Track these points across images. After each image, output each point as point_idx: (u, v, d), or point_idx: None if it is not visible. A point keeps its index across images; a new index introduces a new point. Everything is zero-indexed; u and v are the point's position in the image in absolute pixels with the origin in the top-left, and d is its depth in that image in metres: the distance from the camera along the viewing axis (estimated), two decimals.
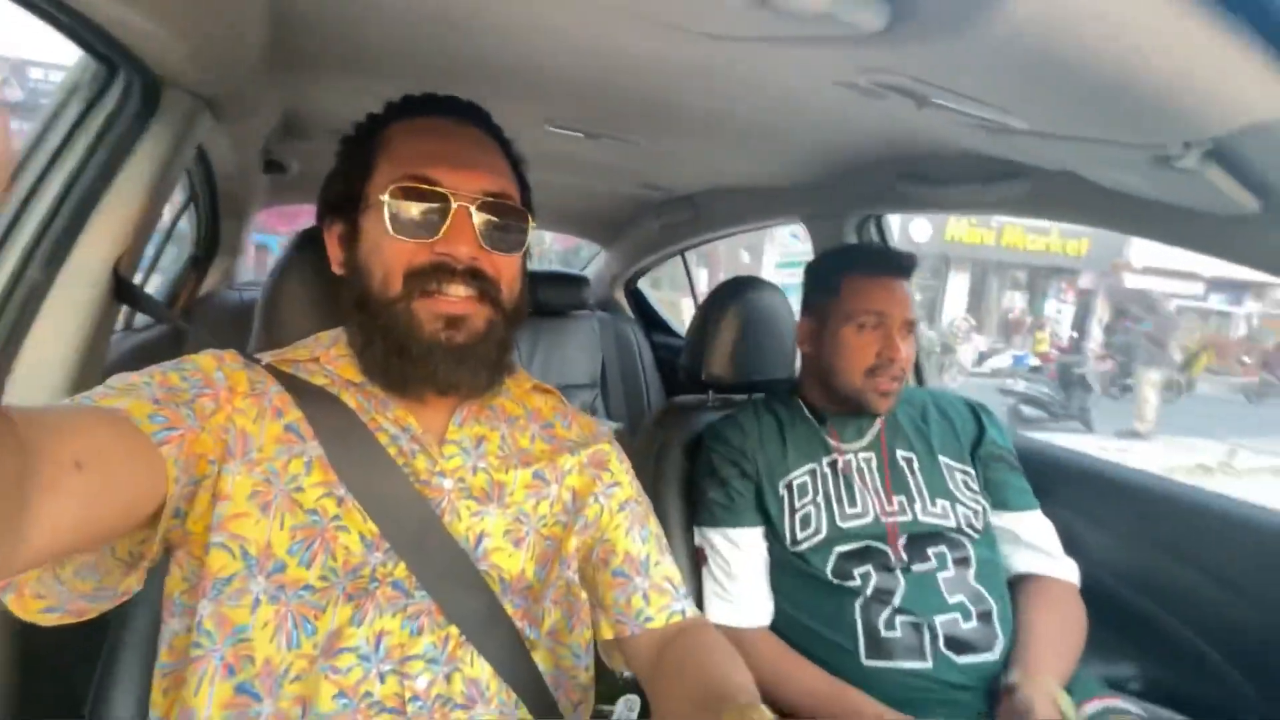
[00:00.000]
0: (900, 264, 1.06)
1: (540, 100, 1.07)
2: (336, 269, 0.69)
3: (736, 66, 0.78)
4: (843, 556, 0.99)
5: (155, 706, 0.60)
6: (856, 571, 0.97)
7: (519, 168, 0.73)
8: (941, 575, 0.97)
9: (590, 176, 1.70)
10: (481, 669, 0.62)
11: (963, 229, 12.76)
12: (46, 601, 0.53)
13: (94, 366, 0.81)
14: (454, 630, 0.62)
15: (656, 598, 0.71)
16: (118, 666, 0.69)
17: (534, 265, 0.76)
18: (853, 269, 1.07)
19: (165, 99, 0.81)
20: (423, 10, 0.79)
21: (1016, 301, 15.08)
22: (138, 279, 0.92)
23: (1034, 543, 1.04)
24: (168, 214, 1.62)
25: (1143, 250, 13.52)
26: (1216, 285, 15.30)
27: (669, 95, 0.97)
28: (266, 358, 0.68)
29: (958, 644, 0.92)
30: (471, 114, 0.70)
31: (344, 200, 0.68)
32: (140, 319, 1.61)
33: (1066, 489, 1.22)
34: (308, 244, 0.78)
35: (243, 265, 2.26)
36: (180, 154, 0.87)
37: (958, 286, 14.11)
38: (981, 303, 14.55)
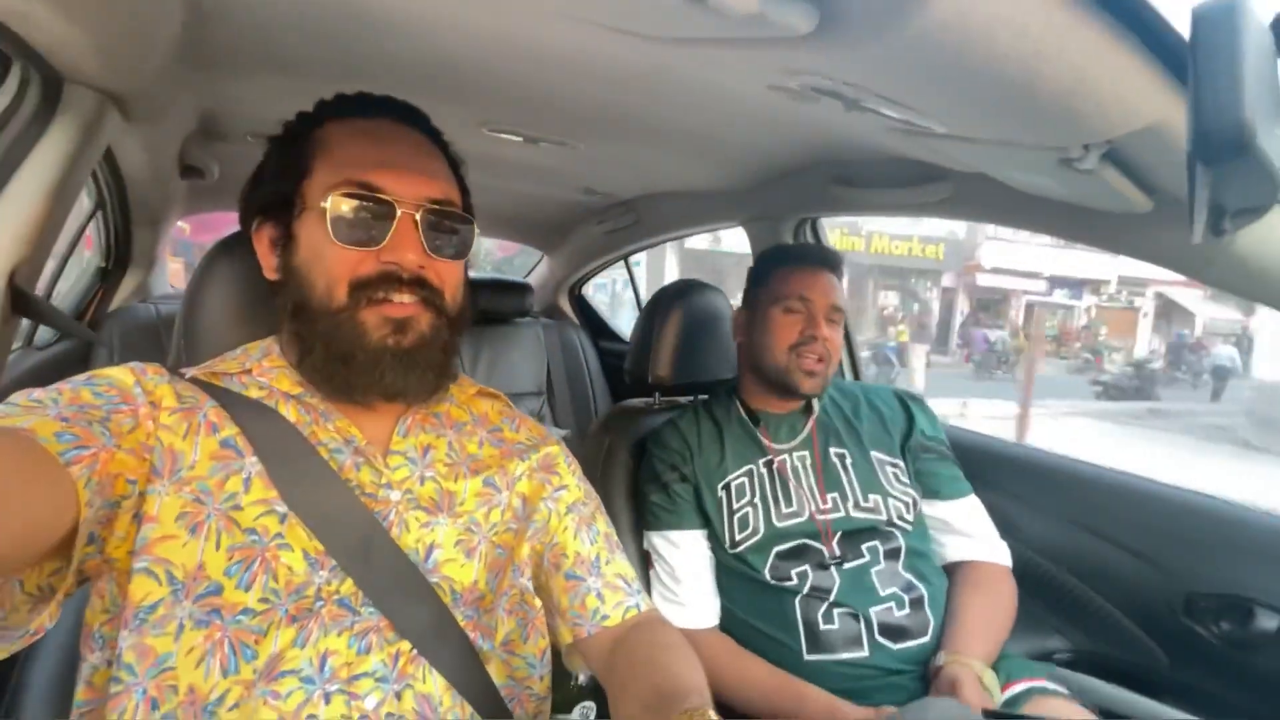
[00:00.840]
0: (826, 258, 1.13)
1: (473, 102, 1.06)
2: (270, 275, 0.66)
3: (672, 69, 0.79)
4: (779, 556, 1.01)
5: None
6: (794, 571, 1.00)
7: (459, 171, 0.72)
8: (874, 569, 1.00)
9: (529, 181, 1.69)
10: (434, 684, 0.61)
11: (835, 238, 14.62)
12: None
13: None
14: (405, 646, 0.60)
15: (610, 595, 0.72)
16: (25, 708, 0.64)
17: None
18: (784, 262, 1.13)
19: (67, 96, 0.75)
20: (347, 8, 0.76)
21: (891, 300, 17.53)
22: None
23: (966, 530, 1.09)
24: (73, 222, 1.50)
25: (990, 252, 16.37)
26: (1057, 282, 18.01)
27: (606, 98, 0.98)
28: (192, 372, 0.64)
29: (892, 632, 0.96)
30: (412, 116, 0.69)
31: (275, 202, 0.65)
32: (42, 335, 1.49)
33: (996, 474, 1.29)
34: (229, 251, 0.74)
35: (161, 278, 2.12)
36: (86, 155, 0.81)
37: None
38: (860, 302, 16.79)
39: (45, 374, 1.43)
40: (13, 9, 0.59)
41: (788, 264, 1.12)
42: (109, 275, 1.74)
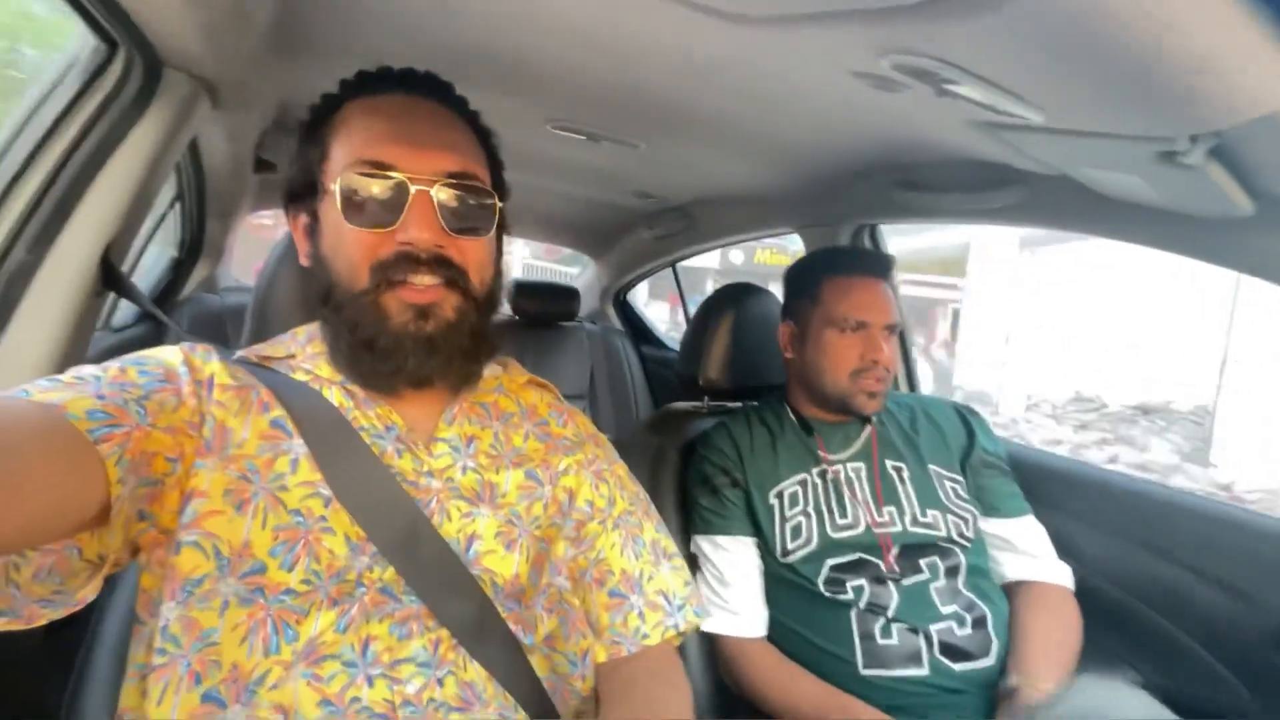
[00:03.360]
0: (878, 265, 1.07)
1: (545, 98, 1.07)
2: (304, 261, 0.66)
3: (747, 59, 0.78)
4: (835, 569, 0.98)
5: (129, 706, 0.56)
6: (850, 584, 0.96)
7: (489, 142, 0.69)
8: (934, 585, 0.96)
9: (584, 184, 1.70)
10: (476, 672, 0.60)
11: (766, 254, 15.10)
12: None
13: (76, 358, 0.77)
14: (445, 634, 0.59)
15: (651, 614, 0.70)
16: (93, 669, 0.65)
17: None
18: (831, 272, 1.07)
19: (165, 81, 0.79)
20: (436, 1, 0.78)
21: None
22: None
23: (1027, 549, 1.04)
24: (156, 212, 1.58)
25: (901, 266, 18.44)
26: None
27: (673, 93, 0.98)
28: (240, 353, 0.65)
29: (953, 651, 0.92)
30: (430, 87, 0.66)
31: (304, 188, 0.64)
32: (119, 318, 1.56)
33: (1059, 494, 1.23)
34: None
35: (227, 270, 2.21)
36: (177, 140, 0.85)
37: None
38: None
39: (120, 354, 1.49)
40: None
41: (836, 274, 1.06)
42: (182, 265, 1.82)
